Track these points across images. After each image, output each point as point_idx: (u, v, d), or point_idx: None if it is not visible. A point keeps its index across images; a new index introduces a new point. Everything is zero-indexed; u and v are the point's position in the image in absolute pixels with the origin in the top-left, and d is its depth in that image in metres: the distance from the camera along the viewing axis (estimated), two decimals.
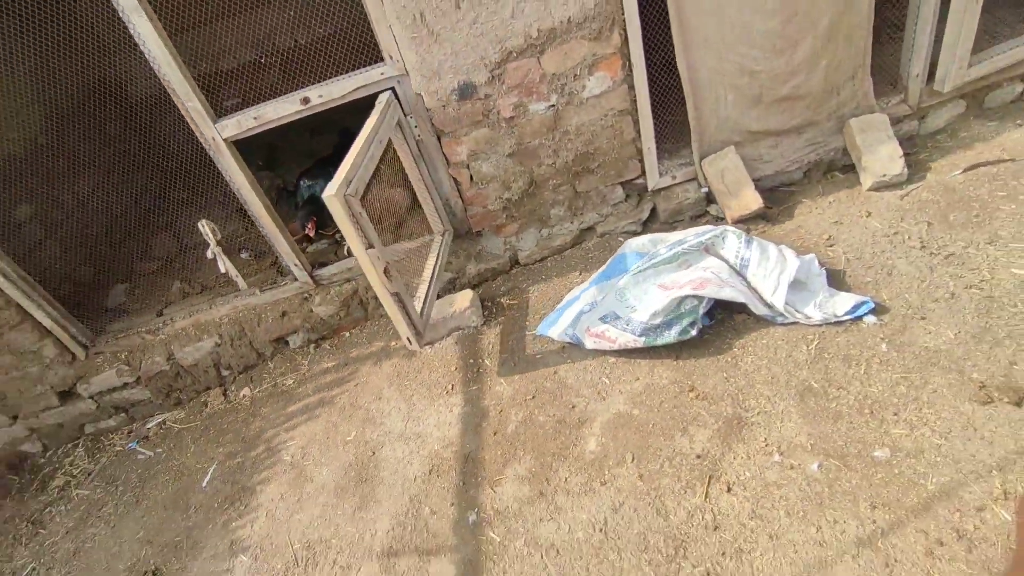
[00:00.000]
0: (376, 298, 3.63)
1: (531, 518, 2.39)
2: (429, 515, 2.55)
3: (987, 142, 3.22)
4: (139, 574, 2.86)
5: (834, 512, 2.06)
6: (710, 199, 3.42)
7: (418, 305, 2.91)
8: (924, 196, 3.08)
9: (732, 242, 2.82)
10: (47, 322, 3.49)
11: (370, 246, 2.49)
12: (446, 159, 3.23)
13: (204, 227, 3.30)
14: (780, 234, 3.12)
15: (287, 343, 3.75)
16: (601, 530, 2.26)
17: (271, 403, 3.49)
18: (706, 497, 2.23)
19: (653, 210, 3.52)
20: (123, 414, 3.83)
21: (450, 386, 3.08)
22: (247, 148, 3.14)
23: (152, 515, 3.14)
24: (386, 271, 2.57)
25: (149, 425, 3.77)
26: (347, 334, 3.70)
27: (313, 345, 3.72)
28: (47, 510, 3.45)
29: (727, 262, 2.76)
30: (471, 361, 3.16)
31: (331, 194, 2.33)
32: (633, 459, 2.44)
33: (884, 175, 3.12)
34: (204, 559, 2.80)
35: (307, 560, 2.60)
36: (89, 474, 3.60)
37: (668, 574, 2.07)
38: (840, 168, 3.44)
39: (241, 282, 3.52)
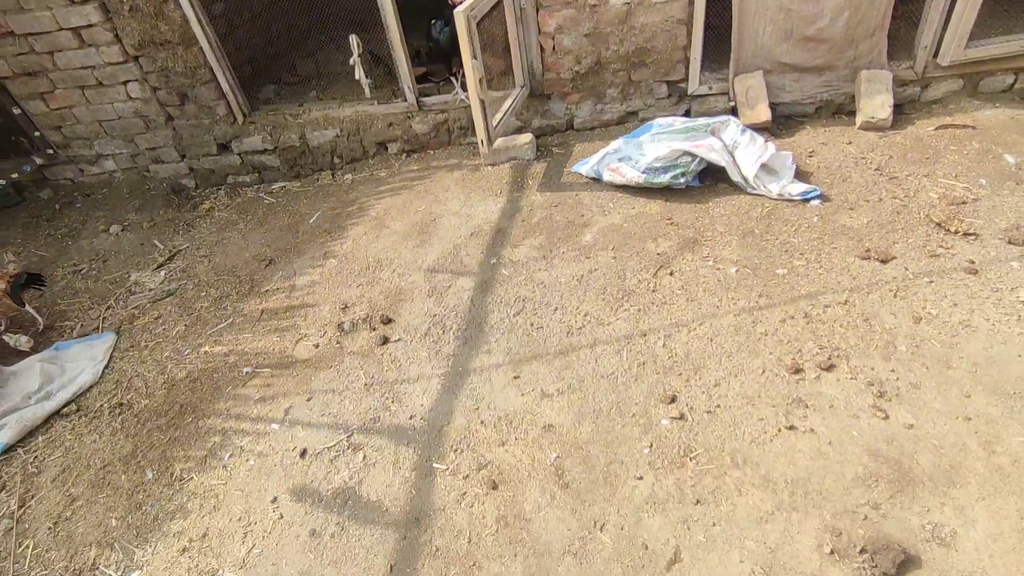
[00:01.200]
0: (460, 128, 4.56)
1: (533, 267, 3.32)
2: (464, 256, 3.53)
3: (965, 113, 3.82)
4: (259, 260, 3.97)
5: (734, 294, 2.91)
6: (734, 112, 4.14)
7: (493, 123, 3.81)
8: (897, 140, 3.74)
9: (732, 129, 3.58)
10: (225, 86, 4.56)
11: (475, 56, 3.37)
12: (539, 27, 4.05)
13: (353, 39, 4.25)
14: (778, 142, 3.85)
15: (387, 148, 4.74)
16: (577, 280, 3.18)
17: (367, 185, 4.51)
18: (654, 275, 3.11)
19: (687, 111, 4.27)
20: (257, 174, 4.93)
21: (499, 191, 4.00)
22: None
23: (271, 233, 4.24)
24: (481, 81, 3.47)
25: (274, 187, 4.86)
26: (432, 152, 4.65)
27: (405, 154, 4.69)
28: (196, 220, 4.62)
29: (723, 142, 3.54)
30: (519, 180, 4.07)
31: (460, 10, 3.22)
32: (613, 249, 3.33)
33: (873, 117, 3.78)
34: (304, 258, 3.88)
35: (375, 267, 3.63)
36: (227, 206, 4.74)
37: (614, 307, 2.98)
38: (846, 112, 4.09)
39: (367, 90, 4.48)
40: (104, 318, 3.72)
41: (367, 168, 4.71)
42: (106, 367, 3.36)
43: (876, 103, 3.79)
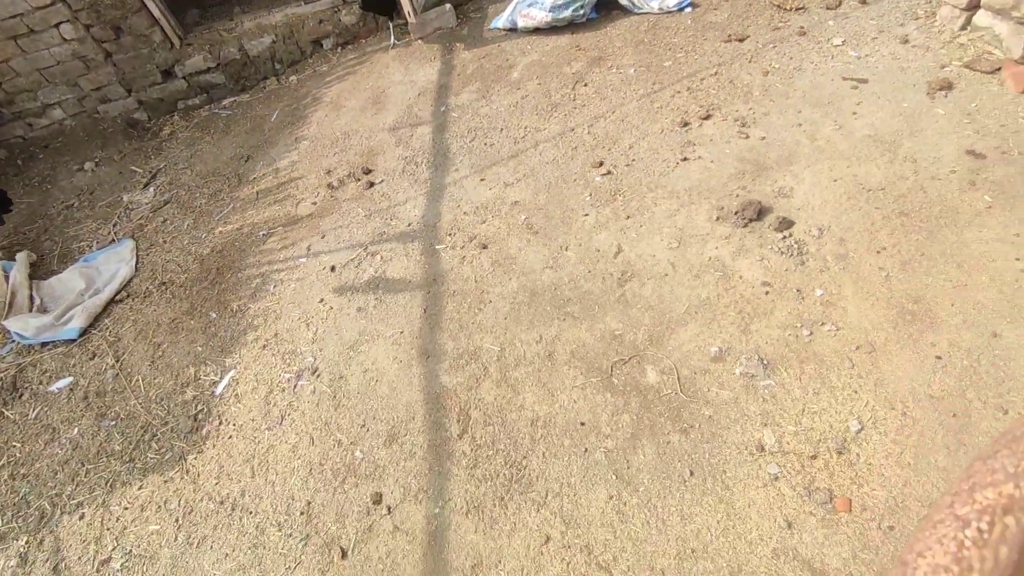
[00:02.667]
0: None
1: (476, 106, 4.03)
2: (417, 111, 4.18)
3: None
4: (237, 159, 4.50)
5: (635, 86, 3.72)
6: None
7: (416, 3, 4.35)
8: None
9: None
10: (156, 11, 4.84)
11: None
12: None
13: None
14: None
15: (322, 45, 5.18)
16: (514, 106, 3.91)
17: (312, 81, 5.00)
18: (573, 88, 3.87)
19: None
20: (205, 94, 5.29)
21: (433, 58, 4.61)
22: None
23: (239, 137, 4.73)
24: None
25: (224, 102, 5.26)
26: (364, 40, 5.14)
27: (340, 47, 5.16)
28: (163, 145, 5.02)
29: None
30: (448, 45, 4.67)
31: None
32: (536, 78, 4.05)
33: None
34: (278, 146, 4.44)
35: (344, 138, 4.25)
36: (187, 127, 5.13)
37: (546, 117, 3.75)
38: None
39: None
40: (115, 232, 4.23)
41: (308, 67, 5.17)
42: (137, 263, 3.93)
43: None
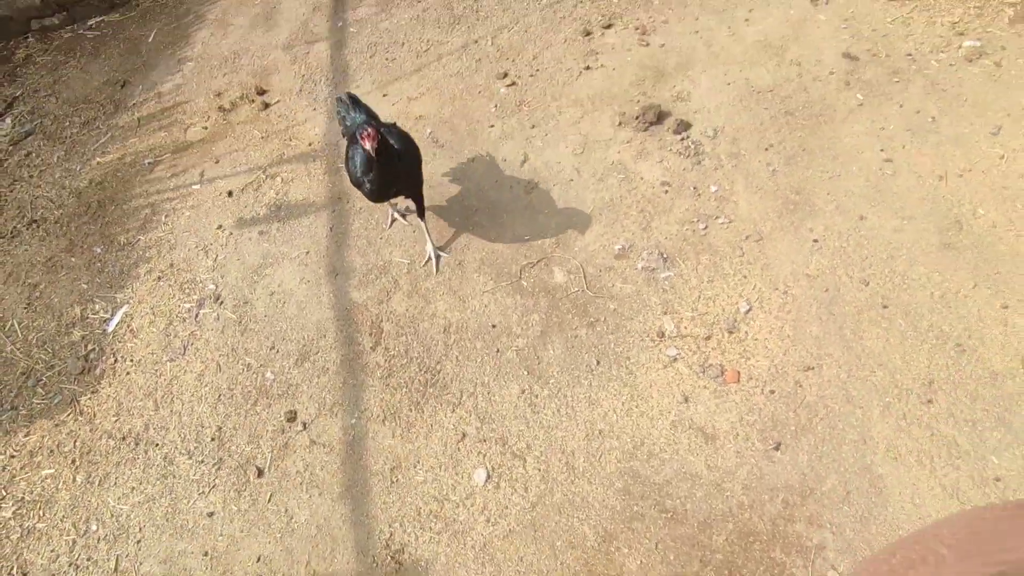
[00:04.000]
0: None
1: (376, 20, 3.76)
2: (313, 27, 3.86)
3: None
4: (111, 84, 4.00)
5: (546, 34, 3.59)
6: None
7: None
8: None
9: None
10: None
11: None
12: None
13: None
14: None
15: None
16: (415, 19, 3.69)
17: None
18: (475, 0, 3.69)
19: None
20: (64, 12, 4.61)
21: None
22: None
23: (111, 60, 4.20)
24: None
25: (90, 23, 4.62)
26: None
27: None
28: (17, 71, 4.37)
29: None
30: None
31: None
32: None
33: None
34: (159, 69, 3.98)
35: (233, 58, 3.86)
36: (46, 51, 4.49)
37: (449, 31, 3.56)
38: None
39: None
40: None
41: None
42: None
43: None
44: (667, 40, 3.19)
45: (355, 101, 2.44)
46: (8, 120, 4.00)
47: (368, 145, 1.99)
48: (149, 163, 3.42)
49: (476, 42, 3.46)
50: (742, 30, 3.15)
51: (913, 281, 2.24)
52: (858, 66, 2.90)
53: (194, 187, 3.21)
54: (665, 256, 2.45)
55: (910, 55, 2.90)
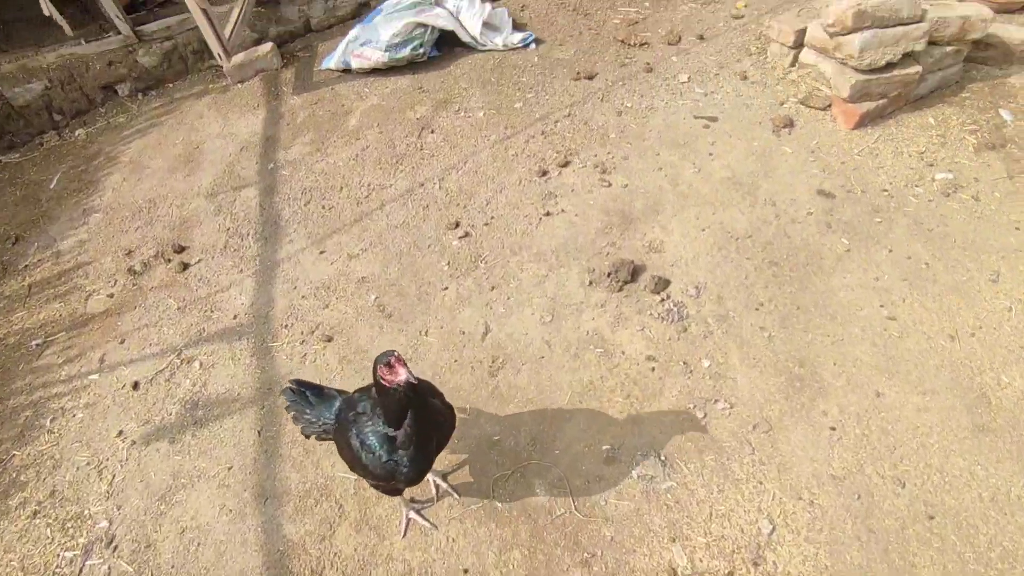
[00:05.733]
0: (194, 52, 4.21)
1: (310, 161, 3.39)
2: (241, 170, 3.45)
3: None
4: (2, 239, 3.44)
5: (486, 132, 3.31)
6: None
7: (226, 34, 3.61)
8: None
9: None
10: None
11: None
12: None
13: None
14: (492, 3, 4.22)
15: (116, 91, 4.21)
16: (354, 159, 3.33)
17: (106, 135, 4.02)
18: (419, 137, 3.38)
19: None
20: None
21: (256, 104, 3.88)
22: None
23: (5, 211, 3.64)
24: None
25: None
26: (171, 84, 4.25)
27: (141, 93, 4.23)
28: None
29: (448, 10, 3.80)
30: (272, 90, 3.96)
31: None
32: (378, 125, 3.51)
33: None
34: (61, 223, 3.46)
35: (149, 207, 3.39)
36: None
37: (392, 172, 3.22)
38: None
39: (67, 27, 3.87)
40: None
41: (100, 117, 4.17)
42: None
43: None
44: (630, 179, 2.92)
45: (311, 389, 1.85)
46: None
47: (403, 374, 1.42)
48: (38, 344, 2.83)
49: (423, 185, 3.11)
50: (708, 166, 2.93)
51: (954, 479, 1.89)
52: (835, 204, 2.69)
53: (91, 377, 2.64)
54: (663, 459, 2.04)
55: (886, 191, 2.71)
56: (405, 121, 3.50)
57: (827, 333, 2.28)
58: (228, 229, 3.13)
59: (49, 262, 3.23)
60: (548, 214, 2.83)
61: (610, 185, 2.90)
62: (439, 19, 3.64)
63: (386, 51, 3.64)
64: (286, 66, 4.13)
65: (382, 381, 1.46)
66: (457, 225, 2.87)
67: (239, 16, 3.81)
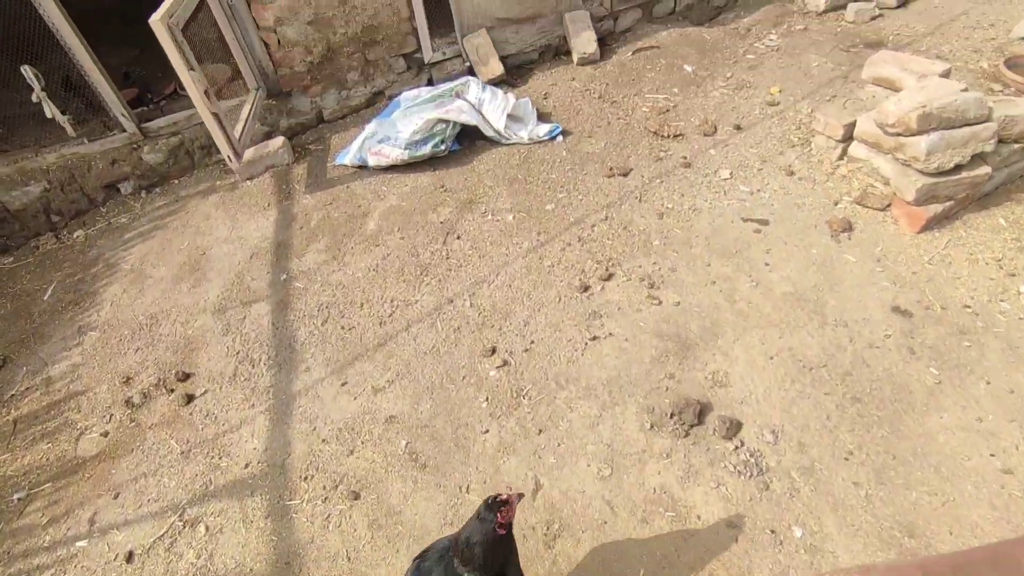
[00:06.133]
0: (201, 148, 4.04)
1: (326, 271, 3.15)
2: (250, 280, 3.20)
3: (649, 37, 4.43)
4: None
5: (517, 238, 3.08)
6: (471, 72, 4.28)
7: (236, 135, 3.44)
8: (608, 68, 4.21)
9: (474, 88, 3.71)
10: None
11: (192, 68, 2.97)
12: (256, 23, 3.70)
13: (28, 72, 3.45)
14: (515, 93, 4.09)
15: (119, 190, 4.02)
16: (374, 270, 3.10)
17: (106, 237, 3.80)
18: (444, 243, 3.16)
19: (430, 79, 4.31)
20: None
21: (266, 204, 3.67)
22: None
23: None
24: (207, 92, 3.07)
25: None
26: (176, 181, 4.07)
27: (144, 191, 4.03)
28: None
29: (469, 102, 3.65)
30: (284, 188, 3.77)
31: (157, 19, 2.77)
32: (399, 230, 3.29)
33: (584, 52, 4.19)
34: (53, 343, 3.18)
35: (151, 324, 3.13)
36: None
37: (415, 285, 2.97)
38: (564, 52, 4.48)
39: (69, 128, 3.72)
40: None
41: (100, 218, 3.96)
42: None
43: (583, 40, 4.20)
44: (682, 295, 2.68)
45: None
46: None
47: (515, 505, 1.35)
48: (20, 499, 2.51)
49: (451, 301, 2.86)
50: (765, 278, 2.69)
51: None
52: (914, 325, 2.43)
53: (79, 544, 2.31)
54: None
55: (968, 307, 2.47)
56: (428, 225, 3.28)
57: (933, 490, 1.98)
58: (238, 353, 2.86)
59: (38, 391, 2.94)
60: (595, 338, 2.57)
61: (660, 303, 2.65)
62: (462, 114, 3.48)
63: (406, 148, 3.46)
64: (298, 161, 3.96)
65: (501, 524, 1.34)
66: (493, 351, 2.60)
67: (249, 114, 3.66)
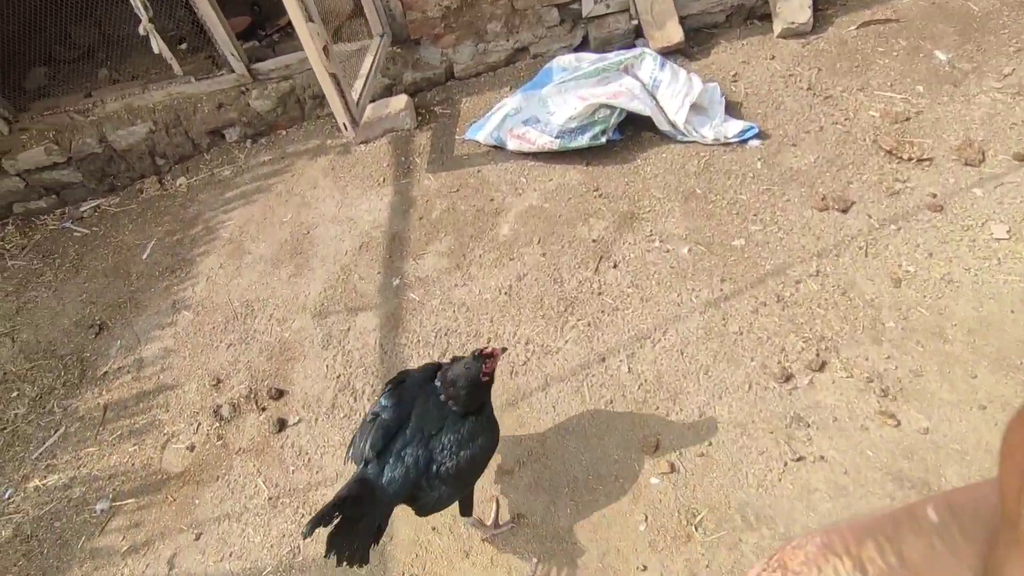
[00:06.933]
0: (313, 97, 3.52)
1: (447, 283, 2.61)
2: (358, 280, 2.73)
3: (884, 4, 3.35)
4: (85, 327, 2.93)
5: (693, 283, 2.39)
6: (639, 32, 3.42)
7: (355, 95, 2.86)
8: (822, 47, 3.23)
9: (648, 64, 2.89)
10: None
11: (310, 19, 2.38)
12: None
13: (135, 1, 2.99)
14: (694, 68, 3.22)
15: (223, 136, 3.61)
16: (506, 293, 2.52)
17: (208, 191, 3.43)
18: (596, 271, 2.51)
19: (585, 37, 3.50)
20: (54, 196, 3.64)
21: (382, 179, 3.13)
22: None
23: (93, 282, 3.15)
24: (325, 49, 2.49)
25: (83, 208, 3.62)
26: (284, 132, 3.60)
27: (250, 140, 3.60)
28: None
29: (641, 81, 2.86)
30: (403, 159, 3.20)
31: None
32: (539, 241, 2.66)
33: (792, 22, 3.22)
34: (148, 315, 2.90)
35: (246, 314, 2.76)
36: (23, 248, 3.49)
37: (557, 324, 2.38)
38: (759, 16, 3.49)
39: (176, 66, 3.29)
40: None
41: (204, 166, 3.59)
42: None
43: (794, 5, 3.22)
44: (932, 418, 1.93)
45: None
46: None
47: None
48: (102, 511, 2.27)
49: (603, 360, 2.25)
50: None
51: None
52: None
53: None
54: None
55: None
56: (576, 241, 2.63)
57: None
58: (339, 377, 2.42)
59: (129, 373, 2.68)
60: (799, 459, 1.90)
61: (898, 424, 1.92)
62: (633, 100, 2.71)
63: (557, 137, 2.77)
64: (421, 127, 3.35)
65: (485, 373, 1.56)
66: (656, 447, 2.00)
67: (372, 67, 3.05)
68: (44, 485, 2.40)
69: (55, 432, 2.56)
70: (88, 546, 2.19)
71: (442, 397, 1.60)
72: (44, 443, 2.53)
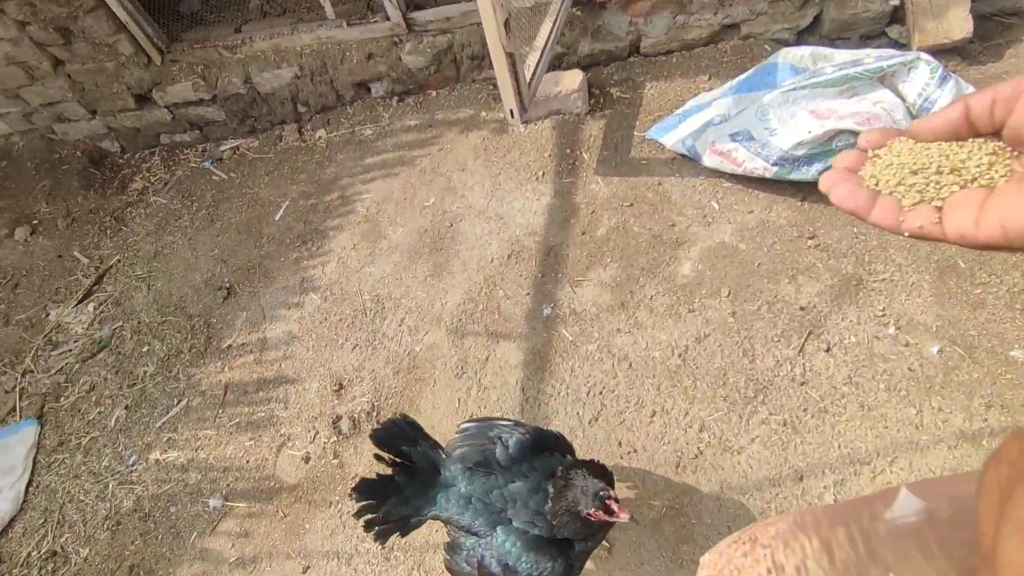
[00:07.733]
0: (472, 58, 3.06)
1: (608, 326, 2.18)
2: (503, 298, 2.37)
3: None
4: (214, 288, 2.83)
5: (941, 400, 1.80)
6: (895, 18, 2.62)
7: (527, 74, 2.38)
8: None
9: (922, 76, 2.15)
10: (122, 14, 3.01)
11: None
12: None
13: None
14: (976, 77, 2.41)
15: (369, 90, 3.28)
16: (680, 355, 2.06)
17: (348, 150, 3.16)
18: (800, 351, 1.97)
19: (818, 17, 2.74)
20: (198, 131, 3.54)
21: (541, 173, 2.69)
22: None
23: (226, 236, 3.03)
24: (506, 24, 2.02)
25: (223, 148, 3.50)
26: (434, 93, 3.20)
27: (397, 98, 3.25)
28: (127, 210, 3.37)
29: (904, 100, 2.14)
30: (567, 151, 2.72)
31: None
32: (729, 294, 2.14)
33: None
34: (275, 289, 2.73)
35: (375, 312, 2.50)
36: (166, 183, 3.43)
37: (743, 413, 1.90)
38: None
39: (328, 7, 2.94)
40: (22, 392, 2.71)
41: (345, 120, 3.31)
42: (29, 483, 2.44)
43: None
44: None
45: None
46: (91, 307, 2.98)
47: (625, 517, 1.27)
48: (215, 508, 2.18)
49: (800, 480, 1.77)
50: None
51: None
52: None
53: None
54: None
55: None
56: (778, 303, 2.08)
57: None
58: (470, 416, 2.12)
59: (252, 355, 2.54)
60: None
61: None
62: (893, 125, 2.02)
63: (775, 165, 2.16)
64: (593, 112, 2.82)
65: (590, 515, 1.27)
66: None
67: (549, 39, 2.52)
68: (164, 460, 2.35)
69: (178, 402, 2.49)
70: (199, 544, 2.11)
71: (547, 507, 1.37)
72: (168, 412, 2.48)
